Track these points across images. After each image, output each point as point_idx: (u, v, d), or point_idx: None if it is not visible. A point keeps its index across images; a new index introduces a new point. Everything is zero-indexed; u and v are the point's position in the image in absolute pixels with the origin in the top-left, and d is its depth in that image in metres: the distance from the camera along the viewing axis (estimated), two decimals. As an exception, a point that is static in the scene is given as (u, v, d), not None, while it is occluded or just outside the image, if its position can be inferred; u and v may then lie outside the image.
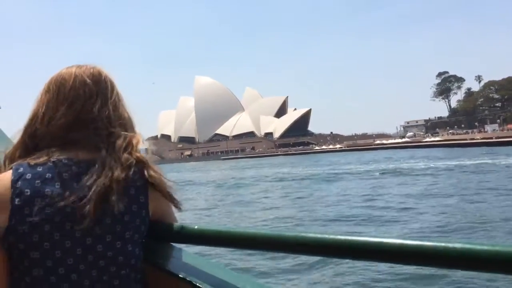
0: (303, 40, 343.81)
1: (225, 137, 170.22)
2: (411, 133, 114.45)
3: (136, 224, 1.26)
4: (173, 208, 1.42)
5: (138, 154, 1.29)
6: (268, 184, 31.07)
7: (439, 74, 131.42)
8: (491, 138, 60.82)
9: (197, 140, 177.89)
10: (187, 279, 1.31)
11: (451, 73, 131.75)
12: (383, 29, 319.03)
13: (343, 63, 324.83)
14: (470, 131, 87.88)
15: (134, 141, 1.31)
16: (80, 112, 1.30)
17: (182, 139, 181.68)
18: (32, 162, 1.22)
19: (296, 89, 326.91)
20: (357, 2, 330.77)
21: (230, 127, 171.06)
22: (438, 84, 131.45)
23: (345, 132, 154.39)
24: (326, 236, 1.07)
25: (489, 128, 78.78)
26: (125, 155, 1.26)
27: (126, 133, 1.33)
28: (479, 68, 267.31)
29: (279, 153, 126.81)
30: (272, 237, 1.21)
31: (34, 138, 1.29)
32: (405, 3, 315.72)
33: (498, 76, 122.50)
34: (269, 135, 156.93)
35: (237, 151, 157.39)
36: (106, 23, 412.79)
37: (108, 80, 1.39)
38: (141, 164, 1.29)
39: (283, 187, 27.72)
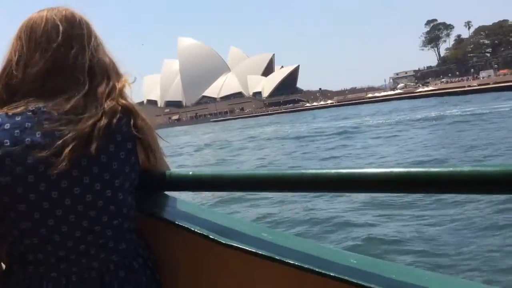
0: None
1: (212, 99, 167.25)
2: (402, 85, 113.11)
3: (125, 172, 1.23)
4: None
5: (123, 101, 1.24)
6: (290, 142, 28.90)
7: (428, 22, 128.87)
8: (488, 84, 59.63)
9: (184, 103, 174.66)
10: (183, 225, 1.30)
11: (439, 20, 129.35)
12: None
13: (327, 16, 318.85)
14: (464, 78, 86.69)
15: (119, 86, 1.26)
16: (56, 58, 1.23)
17: (169, 104, 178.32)
18: (10, 112, 1.18)
19: (281, 46, 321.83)
20: None
21: (217, 89, 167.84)
22: (427, 33, 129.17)
23: (334, 88, 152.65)
24: (328, 171, 1.05)
25: (484, 74, 77.60)
26: (108, 102, 1.21)
27: (108, 79, 1.26)
28: (467, 14, 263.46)
29: (270, 112, 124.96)
30: (271, 176, 1.19)
31: (9, 88, 1.23)
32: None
33: (487, 22, 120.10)
34: (257, 94, 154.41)
35: (225, 112, 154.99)
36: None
37: (83, 22, 1.30)
38: (127, 111, 1.24)
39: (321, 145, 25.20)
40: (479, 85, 62.48)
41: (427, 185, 0.92)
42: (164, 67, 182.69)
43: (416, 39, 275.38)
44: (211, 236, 1.25)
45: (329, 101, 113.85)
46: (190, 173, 1.34)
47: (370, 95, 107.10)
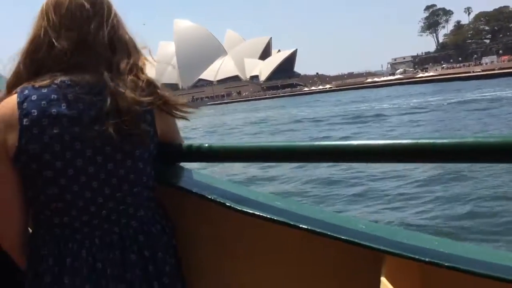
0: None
1: (209, 82, 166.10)
2: (401, 70, 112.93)
3: (145, 142, 1.27)
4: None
5: (146, 76, 1.30)
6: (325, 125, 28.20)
7: (427, 8, 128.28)
8: (493, 69, 59.69)
9: (180, 86, 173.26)
10: (200, 193, 1.35)
11: (439, 6, 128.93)
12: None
13: (324, 0, 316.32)
14: (466, 64, 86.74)
15: (140, 63, 1.32)
16: (80, 36, 1.27)
17: (164, 86, 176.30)
18: (37, 84, 1.23)
19: (277, 30, 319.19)
20: None
21: (214, 72, 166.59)
22: (426, 18, 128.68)
23: (330, 73, 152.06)
24: (339, 142, 1.11)
25: (487, 60, 77.63)
26: (131, 77, 1.26)
27: (129, 55, 1.31)
28: (467, 0, 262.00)
29: (268, 96, 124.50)
30: (284, 148, 1.22)
31: (35, 63, 1.28)
32: None
33: (487, 8, 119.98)
34: (254, 78, 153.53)
35: (222, 96, 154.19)
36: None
37: (104, 1, 1.34)
38: (149, 85, 1.29)
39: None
40: (483, 70, 62.49)
41: (434, 156, 0.94)
42: (160, 49, 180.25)
43: (413, 24, 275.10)
44: (227, 204, 1.28)
45: (328, 86, 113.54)
46: (206, 145, 1.37)
47: (369, 80, 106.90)
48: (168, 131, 1.39)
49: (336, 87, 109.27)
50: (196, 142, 1.39)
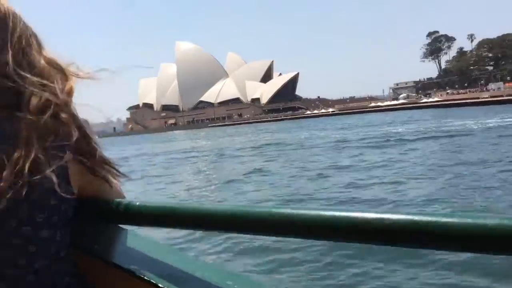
0: (282, 2, 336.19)
1: (210, 104, 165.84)
2: (404, 95, 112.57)
3: (51, 203, 0.96)
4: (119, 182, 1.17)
5: (63, 115, 0.97)
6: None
7: (429, 34, 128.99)
8: (502, 96, 59.05)
9: (181, 108, 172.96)
10: (129, 268, 1.06)
11: (441, 32, 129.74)
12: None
13: (326, 25, 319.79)
14: (472, 90, 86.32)
15: (53, 99, 0.96)
16: None
17: (165, 108, 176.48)
18: None
19: (278, 53, 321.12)
20: None
21: (215, 94, 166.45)
22: (429, 44, 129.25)
23: (331, 96, 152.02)
24: (314, 212, 0.83)
25: (493, 86, 77.26)
26: (43, 118, 0.94)
27: (44, 87, 0.97)
28: (469, 27, 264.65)
29: (270, 119, 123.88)
30: (243, 214, 0.93)
31: None
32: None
33: (489, 35, 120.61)
34: (256, 100, 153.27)
35: (223, 118, 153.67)
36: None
37: (8, 14, 1.00)
38: (65, 128, 0.97)
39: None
40: (491, 97, 61.86)
41: (438, 240, 0.69)
42: (161, 71, 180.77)
43: (414, 50, 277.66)
44: (160, 285, 1.00)
45: (331, 109, 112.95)
46: (138, 204, 1.10)
47: (373, 104, 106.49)
48: (94, 185, 1.11)
49: (339, 110, 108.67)
50: (133, 199, 1.12)
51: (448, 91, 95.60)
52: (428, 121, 42.43)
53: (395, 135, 29.59)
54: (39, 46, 1.04)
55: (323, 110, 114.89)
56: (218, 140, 53.80)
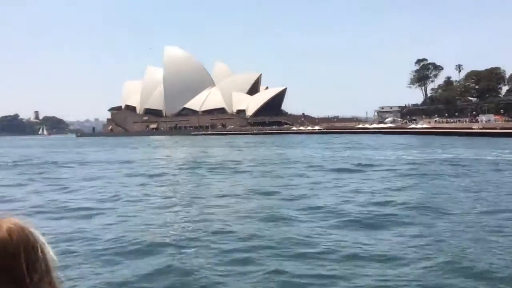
0: (273, 17, 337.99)
1: (194, 112, 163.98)
2: (390, 119, 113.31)
3: None
4: None
5: None
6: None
7: (418, 61, 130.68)
8: (495, 128, 59.38)
9: (164, 113, 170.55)
10: None
11: (429, 60, 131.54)
12: (356, 14, 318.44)
13: (314, 44, 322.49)
14: (463, 120, 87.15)
15: None
16: None
17: (148, 111, 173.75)
18: None
19: (264, 67, 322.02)
20: None
21: (200, 102, 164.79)
22: (416, 71, 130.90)
23: (315, 114, 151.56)
24: None
25: (484, 118, 78.16)
26: None
27: None
28: (456, 58, 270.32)
29: (255, 131, 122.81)
30: None
31: None
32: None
33: (476, 67, 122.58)
34: (241, 112, 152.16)
35: (207, 127, 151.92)
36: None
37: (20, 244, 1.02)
38: None
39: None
40: (484, 128, 62.19)
41: None
42: (147, 74, 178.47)
43: (400, 76, 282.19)
44: None
45: (317, 127, 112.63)
46: None
47: (360, 125, 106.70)
48: None
49: (326, 129, 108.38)
50: None
51: (436, 118, 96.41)
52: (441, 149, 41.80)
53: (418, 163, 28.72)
54: (48, 272, 1.04)
55: (309, 128, 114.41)
56: (191, 150, 52.46)
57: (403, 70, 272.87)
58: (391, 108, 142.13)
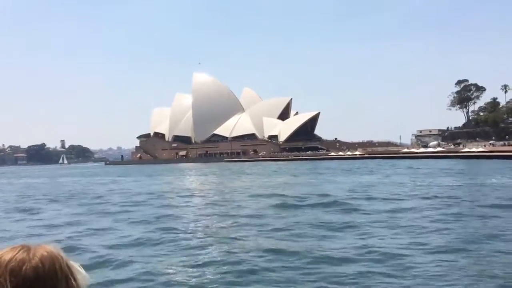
0: (302, 42, 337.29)
1: (223, 138, 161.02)
2: (435, 142, 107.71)
3: None
4: None
5: None
6: None
7: (458, 82, 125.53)
8: None
9: (193, 140, 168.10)
10: None
11: (466, 81, 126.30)
12: (387, 33, 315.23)
13: (344, 67, 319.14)
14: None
15: None
16: None
17: (177, 138, 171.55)
18: None
19: (291, 92, 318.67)
20: (360, 3, 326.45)
21: (230, 128, 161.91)
22: (457, 92, 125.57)
23: (345, 139, 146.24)
24: None
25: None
26: None
27: None
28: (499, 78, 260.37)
29: (290, 157, 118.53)
30: None
31: None
32: (415, 4, 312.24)
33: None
34: (273, 138, 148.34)
35: (238, 153, 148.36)
36: (92, 8, 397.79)
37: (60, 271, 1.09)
38: None
39: None
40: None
41: None
42: (176, 101, 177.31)
43: (435, 98, 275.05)
44: None
45: (358, 152, 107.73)
46: None
47: (406, 150, 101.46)
48: None
49: (368, 154, 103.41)
50: None
51: (490, 142, 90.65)
52: None
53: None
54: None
55: (349, 153, 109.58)
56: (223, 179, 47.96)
57: (439, 91, 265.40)
58: (430, 131, 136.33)
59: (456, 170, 48.10)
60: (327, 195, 25.27)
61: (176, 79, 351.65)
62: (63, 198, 31.90)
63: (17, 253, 1.05)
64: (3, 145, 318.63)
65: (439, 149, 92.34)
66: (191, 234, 15.15)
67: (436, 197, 23.14)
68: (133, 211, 22.22)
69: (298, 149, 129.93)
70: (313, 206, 21.35)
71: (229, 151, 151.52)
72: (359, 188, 29.89)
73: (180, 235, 14.97)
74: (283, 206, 21.85)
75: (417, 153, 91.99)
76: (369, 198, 23.56)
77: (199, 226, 16.98)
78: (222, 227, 16.44)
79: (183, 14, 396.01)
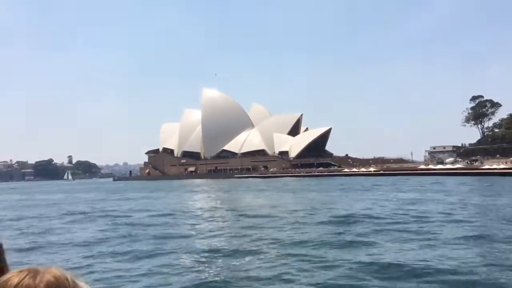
0: (302, 57, 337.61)
1: (233, 154, 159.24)
2: (451, 159, 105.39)
3: None
4: None
5: None
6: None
7: (473, 98, 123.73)
8: None
9: (202, 156, 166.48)
10: None
11: (481, 97, 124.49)
12: (402, 50, 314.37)
13: (350, 81, 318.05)
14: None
15: None
16: None
17: (186, 154, 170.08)
18: None
19: (298, 108, 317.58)
20: (375, 20, 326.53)
21: (239, 144, 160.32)
22: (472, 108, 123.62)
23: (354, 155, 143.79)
24: None
25: None
26: None
27: None
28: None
29: (302, 173, 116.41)
30: None
31: None
32: (428, 20, 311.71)
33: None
34: (284, 154, 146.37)
35: (248, 169, 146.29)
36: (100, 28, 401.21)
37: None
38: None
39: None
40: None
41: None
42: (185, 116, 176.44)
43: (447, 114, 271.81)
44: None
45: (372, 169, 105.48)
46: None
47: (423, 166, 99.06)
48: None
49: (383, 170, 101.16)
50: None
51: (511, 158, 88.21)
52: None
53: None
54: None
55: (363, 169, 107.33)
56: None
57: (451, 107, 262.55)
58: (444, 147, 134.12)
59: (488, 187, 45.84)
60: (378, 217, 22.71)
61: (185, 94, 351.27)
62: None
63: (24, 278, 1.04)
64: (10, 160, 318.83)
65: (457, 165, 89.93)
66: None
67: None
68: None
69: (310, 165, 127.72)
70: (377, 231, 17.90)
71: (239, 167, 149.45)
72: (408, 206, 27.55)
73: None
74: (342, 223, 19.78)
75: (434, 169, 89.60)
76: (431, 219, 21.08)
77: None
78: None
79: (192, 30, 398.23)
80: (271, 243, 15.61)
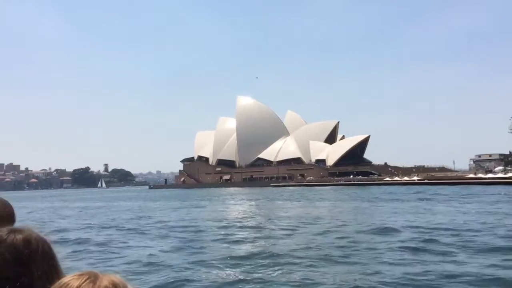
0: (335, 64, 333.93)
1: (268, 162, 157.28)
2: (500, 168, 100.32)
3: None
4: None
5: None
6: None
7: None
8: None
9: (237, 164, 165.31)
10: None
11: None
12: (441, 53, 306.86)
13: (386, 86, 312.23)
14: None
15: None
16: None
17: (221, 162, 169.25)
18: None
19: (332, 115, 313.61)
20: (413, 23, 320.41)
21: (275, 152, 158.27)
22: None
23: (393, 164, 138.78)
24: None
25: None
26: None
27: None
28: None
29: (341, 182, 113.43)
30: None
31: None
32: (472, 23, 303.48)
33: None
34: (321, 162, 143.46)
35: (284, 178, 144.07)
36: (132, 41, 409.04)
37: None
38: None
39: None
40: None
41: None
42: (219, 124, 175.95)
43: (492, 122, 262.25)
44: None
45: (416, 178, 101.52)
46: None
47: (471, 175, 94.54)
48: None
49: (428, 179, 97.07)
50: None
51: None
52: None
53: None
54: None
55: (406, 178, 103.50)
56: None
57: (496, 113, 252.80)
58: (490, 156, 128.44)
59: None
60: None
61: (218, 103, 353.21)
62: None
63: (83, 282, 1.07)
64: (49, 168, 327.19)
65: (510, 174, 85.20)
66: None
67: None
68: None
69: (349, 174, 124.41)
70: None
71: (275, 176, 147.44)
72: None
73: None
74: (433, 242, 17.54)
75: (485, 178, 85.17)
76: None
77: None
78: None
79: (229, 39, 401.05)
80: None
